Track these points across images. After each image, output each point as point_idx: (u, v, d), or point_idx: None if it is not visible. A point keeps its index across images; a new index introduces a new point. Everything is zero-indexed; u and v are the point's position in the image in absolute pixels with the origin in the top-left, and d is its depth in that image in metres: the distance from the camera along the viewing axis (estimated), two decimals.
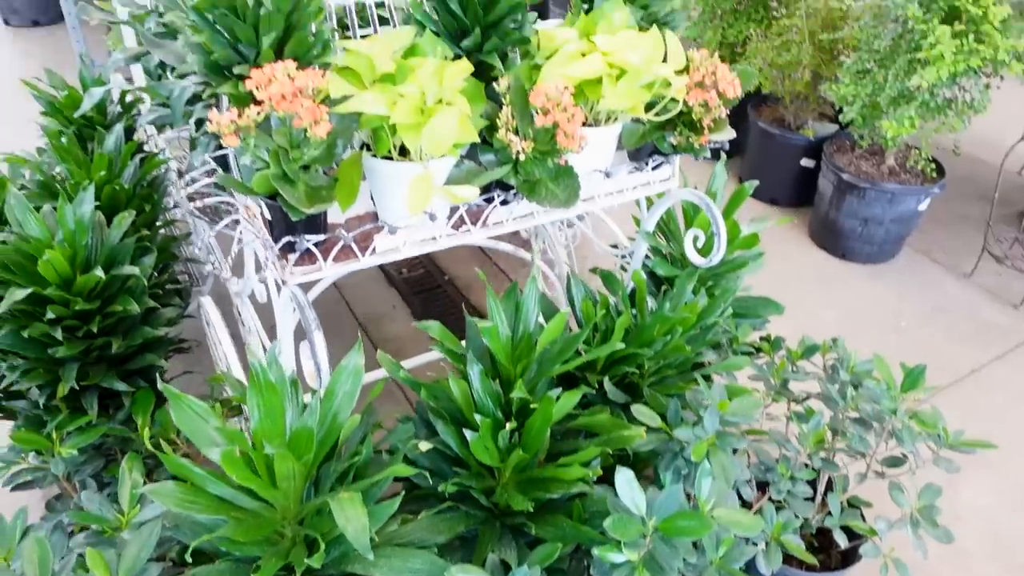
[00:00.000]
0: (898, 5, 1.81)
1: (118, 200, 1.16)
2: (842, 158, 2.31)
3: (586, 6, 1.10)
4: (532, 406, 0.92)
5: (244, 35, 0.86)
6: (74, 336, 1.03)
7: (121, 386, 1.06)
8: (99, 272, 0.98)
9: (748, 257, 1.36)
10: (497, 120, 0.93)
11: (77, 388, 1.04)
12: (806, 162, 2.48)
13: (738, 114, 2.08)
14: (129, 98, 1.39)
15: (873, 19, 1.98)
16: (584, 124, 1.04)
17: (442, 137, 0.83)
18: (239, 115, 0.76)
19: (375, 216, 1.02)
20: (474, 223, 1.05)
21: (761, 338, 1.37)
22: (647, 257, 1.39)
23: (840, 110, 2.12)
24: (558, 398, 0.92)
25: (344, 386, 0.81)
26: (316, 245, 0.93)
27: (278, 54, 0.89)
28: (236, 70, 0.85)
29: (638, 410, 0.98)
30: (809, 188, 2.50)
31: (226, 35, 0.86)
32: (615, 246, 1.52)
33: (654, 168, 1.18)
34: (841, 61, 2.18)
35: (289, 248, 0.91)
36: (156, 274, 1.13)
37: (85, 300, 1.00)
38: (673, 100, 1.02)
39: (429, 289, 2.15)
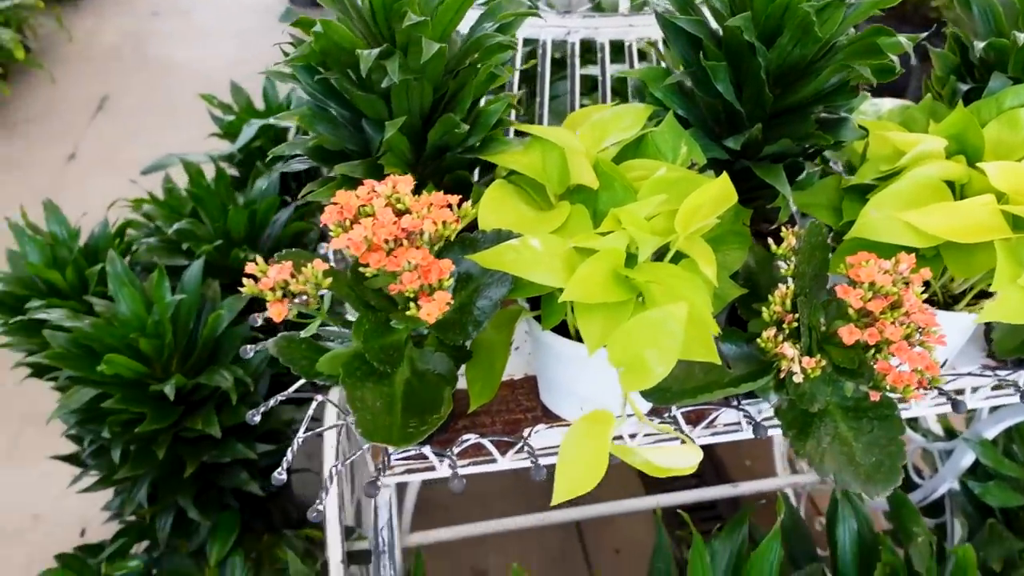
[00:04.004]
0: None
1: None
2: None
3: (963, 86, 0.62)
4: None
5: (369, 108, 0.53)
6: (143, 449, 0.80)
7: (192, 512, 0.82)
8: (169, 389, 0.74)
9: None
10: (766, 304, 0.51)
11: (145, 508, 0.82)
12: None
13: None
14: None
15: None
16: (929, 299, 0.58)
17: (644, 357, 0.43)
18: (293, 271, 0.44)
19: (535, 385, 0.65)
20: (692, 422, 0.64)
21: None
22: (970, 472, 0.87)
23: None
24: None
25: None
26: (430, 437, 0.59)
27: (418, 142, 0.56)
28: (339, 169, 0.52)
29: None
30: None
31: (340, 108, 0.54)
32: (913, 421, 1.01)
33: None
34: None
35: None
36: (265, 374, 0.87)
37: (155, 415, 0.77)
38: None
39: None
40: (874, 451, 0.49)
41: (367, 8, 0.50)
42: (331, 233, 0.44)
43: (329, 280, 0.44)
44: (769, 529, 0.71)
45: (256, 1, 3.57)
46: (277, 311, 0.43)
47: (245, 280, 0.43)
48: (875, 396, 0.50)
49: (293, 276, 0.43)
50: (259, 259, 0.43)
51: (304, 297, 0.43)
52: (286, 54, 0.52)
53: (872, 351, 0.48)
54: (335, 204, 0.45)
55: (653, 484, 1.46)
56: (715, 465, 1.50)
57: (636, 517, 1.41)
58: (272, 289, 0.43)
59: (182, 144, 2.31)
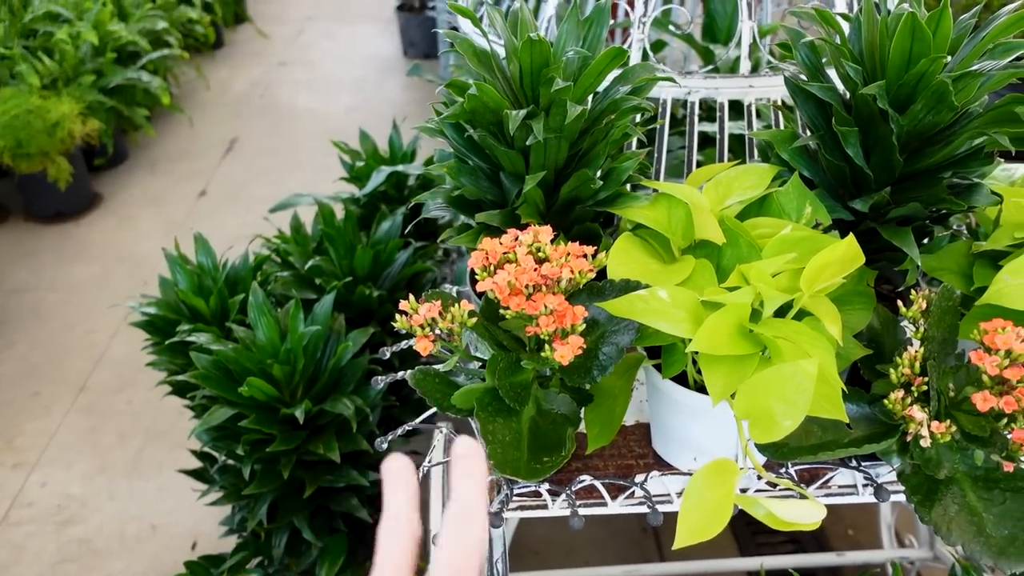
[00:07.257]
0: None
1: (371, 304, 0.98)
2: None
3: None
4: None
5: (508, 163, 0.57)
6: (269, 469, 0.86)
7: (307, 533, 0.87)
8: (299, 414, 0.79)
9: None
10: (893, 366, 0.51)
11: (265, 526, 0.87)
12: None
13: None
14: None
15: None
16: None
17: (772, 410, 0.44)
18: (441, 311, 0.47)
19: (647, 432, 0.67)
20: (805, 481, 0.64)
21: None
22: None
23: None
24: None
25: None
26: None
27: (549, 194, 0.59)
28: (480, 217, 0.57)
29: None
30: None
31: (480, 161, 0.59)
32: None
33: None
34: None
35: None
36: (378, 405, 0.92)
37: (283, 438, 0.82)
38: None
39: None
40: (1007, 523, 0.48)
41: (515, 71, 0.55)
42: (477, 277, 0.48)
43: (474, 320, 0.47)
44: None
45: (373, 54, 3.80)
46: (424, 346, 0.47)
47: (398, 316, 0.48)
48: (1008, 467, 0.48)
49: (441, 315, 0.47)
50: (411, 297, 0.48)
51: (448, 334, 0.47)
52: (438, 113, 0.57)
53: (1005, 420, 0.47)
54: (481, 250, 0.49)
55: (747, 548, 1.42)
56: (815, 532, 1.44)
57: None
58: (422, 326, 0.47)
59: (301, 184, 2.48)
